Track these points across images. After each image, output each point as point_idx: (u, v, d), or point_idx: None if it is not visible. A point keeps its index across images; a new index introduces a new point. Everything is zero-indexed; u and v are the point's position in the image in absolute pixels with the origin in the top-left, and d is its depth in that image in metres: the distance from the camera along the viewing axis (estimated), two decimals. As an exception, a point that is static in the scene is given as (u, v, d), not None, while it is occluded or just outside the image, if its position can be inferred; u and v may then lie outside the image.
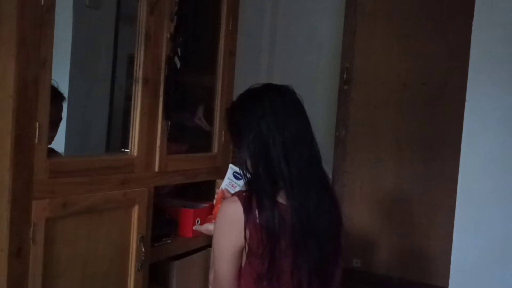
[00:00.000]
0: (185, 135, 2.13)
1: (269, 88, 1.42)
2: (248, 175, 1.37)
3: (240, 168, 1.40)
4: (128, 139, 1.66)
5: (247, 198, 1.31)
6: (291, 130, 1.32)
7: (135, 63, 1.65)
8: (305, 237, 1.30)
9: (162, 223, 1.86)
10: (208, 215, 2.03)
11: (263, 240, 1.28)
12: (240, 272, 1.36)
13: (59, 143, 1.68)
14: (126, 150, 1.67)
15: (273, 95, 1.37)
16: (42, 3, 1.28)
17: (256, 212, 1.28)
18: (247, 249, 1.31)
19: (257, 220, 1.28)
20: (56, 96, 1.68)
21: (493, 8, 2.04)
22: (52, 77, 1.34)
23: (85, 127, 1.94)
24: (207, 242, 2.03)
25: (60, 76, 1.60)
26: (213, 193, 2.05)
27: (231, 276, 1.35)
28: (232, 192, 1.53)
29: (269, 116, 1.33)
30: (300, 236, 1.30)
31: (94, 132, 1.97)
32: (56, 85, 1.51)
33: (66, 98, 1.73)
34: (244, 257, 1.34)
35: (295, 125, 1.34)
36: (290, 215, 1.29)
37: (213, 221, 1.47)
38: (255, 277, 1.30)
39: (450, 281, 2.12)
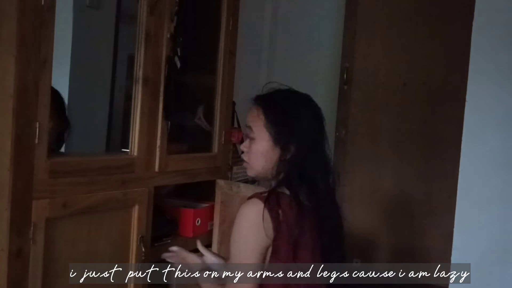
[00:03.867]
0: (185, 135, 2.14)
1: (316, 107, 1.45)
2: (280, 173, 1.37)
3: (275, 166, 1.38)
4: (128, 139, 1.66)
5: (270, 198, 1.30)
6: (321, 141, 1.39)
7: (135, 63, 1.65)
8: (327, 240, 1.34)
9: (162, 223, 1.86)
10: (208, 215, 2.04)
11: (287, 240, 1.28)
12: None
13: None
14: (126, 150, 1.67)
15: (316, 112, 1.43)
16: (42, 3, 1.28)
17: (280, 211, 1.28)
18: (271, 250, 1.29)
19: (281, 218, 1.27)
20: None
21: (493, 8, 2.04)
22: (52, 77, 1.34)
23: (85, 127, 1.93)
24: (207, 242, 2.03)
25: (60, 76, 1.60)
26: (213, 193, 2.06)
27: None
28: None
29: (314, 128, 1.39)
30: (324, 239, 1.33)
31: (94, 132, 1.97)
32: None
33: (66, 99, 1.74)
34: (267, 259, 1.31)
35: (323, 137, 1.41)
36: (313, 217, 1.32)
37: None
38: (281, 277, 1.29)
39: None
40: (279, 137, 1.36)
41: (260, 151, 1.38)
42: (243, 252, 1.31)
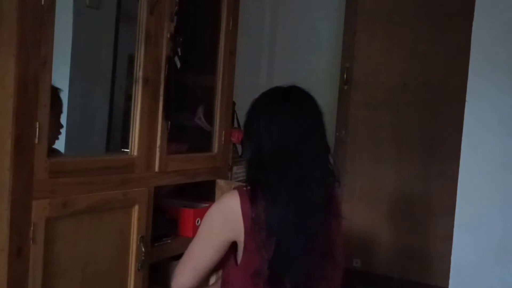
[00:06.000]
0: (185, 135, 2.13)
1: (290, 90, 1.42)
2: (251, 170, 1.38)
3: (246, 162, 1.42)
4: (128, 139, 1.66)
5: (247, 193, 1.32)
6: (295, 136, 1.32)
7: (135, 63, 1.65)
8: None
9: (162, 223, 1.86)
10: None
11: (258, 237, 1.29)
12: (231, 270, 1.37)
13: (59, 143, 1.68)
14: (126, 150, 1.67)
15: (285, 99, 1.39)
16: (42, 3, 1.29)
17: (256, 209, 1.29)
18: (242, 245, 1.31)
19: (253, 215, 1.29)
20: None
21: (493, 8, 2.04)
22: (52, 77, 1.34)
23: (85, 127, 1.93)
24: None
25: (60, 76, 1.60)
26: (213, 193, 2.06)
27: (206, 267, 1.38)
28: None
29: (277, 119, 1.34)
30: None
31: (94, 132, 1.97)
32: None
33: (66, 99, 1.74)
34: (240, 254, 1.34)
35: (300, 132, 1.34)
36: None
37: None
38: (251, 273, 1.30)
39: (450, 281, 2.12)
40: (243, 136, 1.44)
41: None
42: (205, 236, 1.38)
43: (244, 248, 1.31)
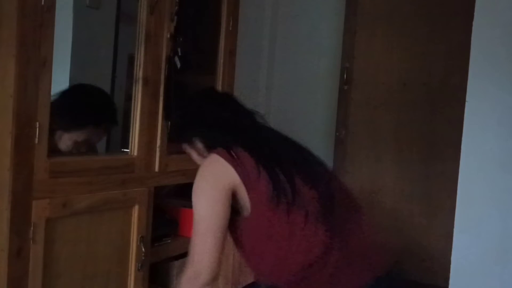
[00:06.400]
0: (185, 135, 2.13)
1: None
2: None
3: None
4: (128, 139, 1.66)
5: (224, 151, 1.38)
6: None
7: (135, 63, 1.66)
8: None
9: (162, 223, 1.86)
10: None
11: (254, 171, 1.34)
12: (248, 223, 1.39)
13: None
14: (126, 150, 1.67)
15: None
16: (42, 3, 1.29)
17: (239, 161, 1.36)
18: (243, 189, 1.34)
19: (241, 165, 1.35)
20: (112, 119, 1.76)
21: (493, 8, 2.05)
22: (53, 77, 1.35)
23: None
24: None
25: (60, 76, 1.60)
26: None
27: (224, 226, 1.39)
28: None
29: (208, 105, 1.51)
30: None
31: (94, 132, 1.96)
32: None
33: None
34: (246, 202, 1.35)
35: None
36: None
37: None
38: (269, 198, 1.32)
39: (450, 281, 2.12)
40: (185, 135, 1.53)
41: None
42: (208, 206, 1.42)
43: (246, 186, 1.34)
